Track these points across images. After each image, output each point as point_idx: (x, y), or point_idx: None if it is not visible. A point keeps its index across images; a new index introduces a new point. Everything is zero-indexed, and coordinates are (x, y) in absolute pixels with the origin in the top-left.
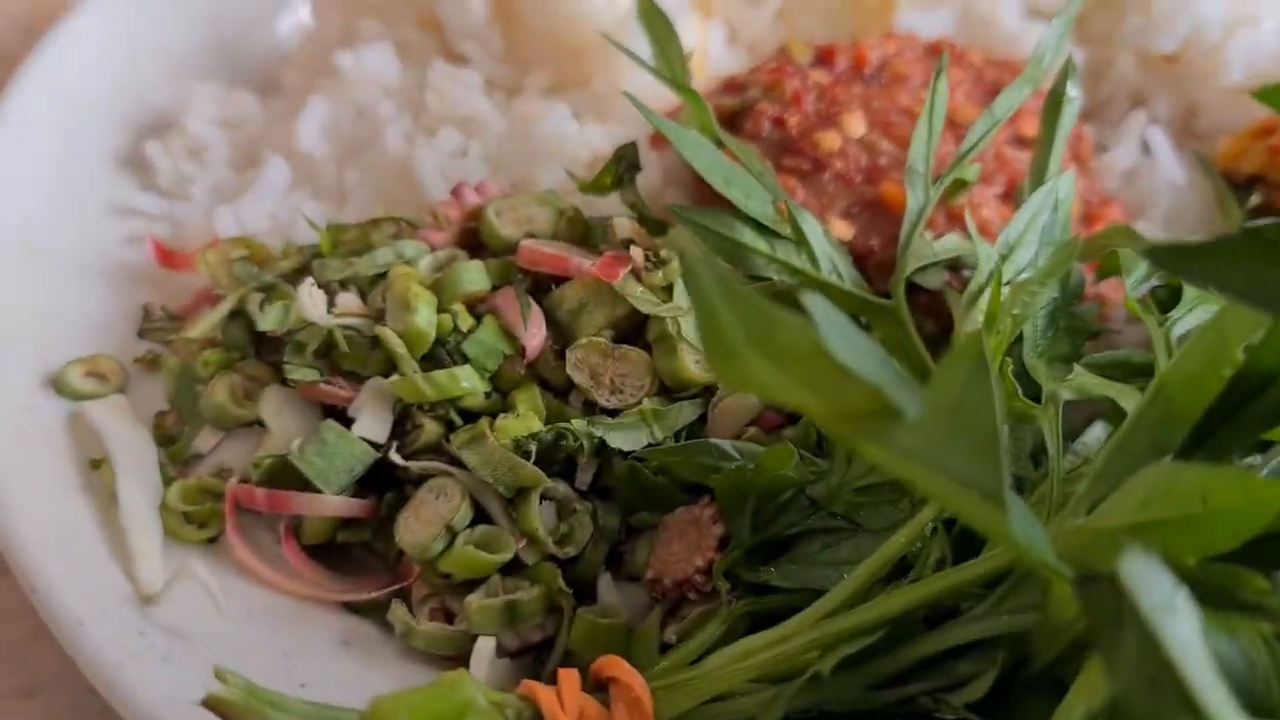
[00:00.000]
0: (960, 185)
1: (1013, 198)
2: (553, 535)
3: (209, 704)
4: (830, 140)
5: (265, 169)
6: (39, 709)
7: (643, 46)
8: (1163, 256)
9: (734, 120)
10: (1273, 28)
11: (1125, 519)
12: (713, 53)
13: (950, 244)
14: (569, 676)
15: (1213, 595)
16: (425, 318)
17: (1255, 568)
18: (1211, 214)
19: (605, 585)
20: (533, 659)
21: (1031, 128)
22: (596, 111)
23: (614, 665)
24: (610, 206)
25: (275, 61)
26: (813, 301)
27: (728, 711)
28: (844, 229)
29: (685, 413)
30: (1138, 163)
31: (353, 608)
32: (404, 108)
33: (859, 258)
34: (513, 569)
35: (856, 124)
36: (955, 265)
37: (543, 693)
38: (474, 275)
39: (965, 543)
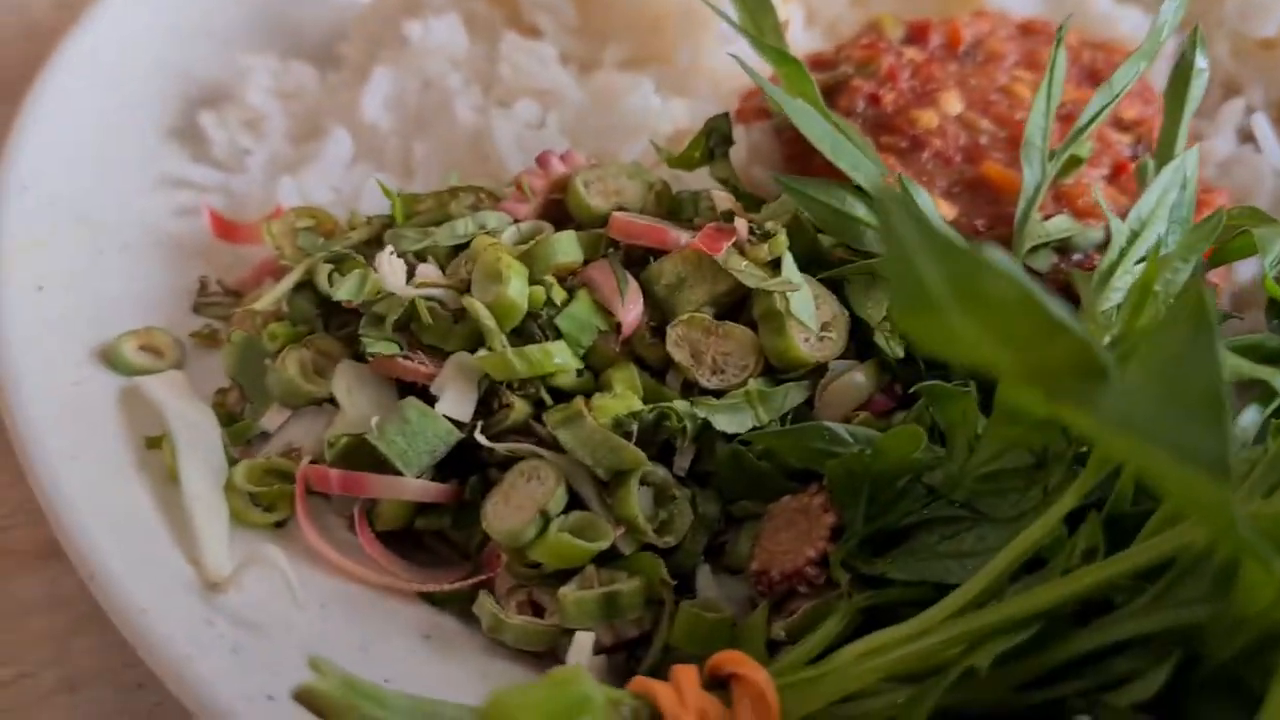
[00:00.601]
0: (1075, 163)
1: (1118, 180)
2: (651, 523)
3: (301, 697)
4: (928, 118)
5: (328, 141)
6: (86, 706)
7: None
8: None
9: (825, 96)
10: None
11: None
12: (789, 34)
13: (1062, 224)
14: (688, 673)
15: None
16: (517, 289)
17: None
18: None
19: (704, 577)
20: (625, 656)
21: (1131, 110)
22: (675, 87)
23: (737, 661)
24: (694, 183)
25: (330, 34)
26: (996, 256)
27: (860, 712)
28: (946, 209)
29: (792, 395)
30: (1234, 152)
31: (431, 599)
32: (472, 80)
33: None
34: (605, 559)
35: (954, 102)
36: (1064, 248)
37: (662, 690)
38: (567, 246)
39: (1114, 531)
